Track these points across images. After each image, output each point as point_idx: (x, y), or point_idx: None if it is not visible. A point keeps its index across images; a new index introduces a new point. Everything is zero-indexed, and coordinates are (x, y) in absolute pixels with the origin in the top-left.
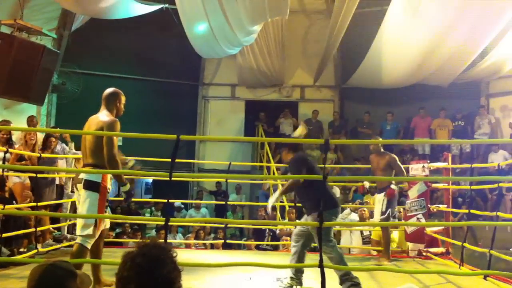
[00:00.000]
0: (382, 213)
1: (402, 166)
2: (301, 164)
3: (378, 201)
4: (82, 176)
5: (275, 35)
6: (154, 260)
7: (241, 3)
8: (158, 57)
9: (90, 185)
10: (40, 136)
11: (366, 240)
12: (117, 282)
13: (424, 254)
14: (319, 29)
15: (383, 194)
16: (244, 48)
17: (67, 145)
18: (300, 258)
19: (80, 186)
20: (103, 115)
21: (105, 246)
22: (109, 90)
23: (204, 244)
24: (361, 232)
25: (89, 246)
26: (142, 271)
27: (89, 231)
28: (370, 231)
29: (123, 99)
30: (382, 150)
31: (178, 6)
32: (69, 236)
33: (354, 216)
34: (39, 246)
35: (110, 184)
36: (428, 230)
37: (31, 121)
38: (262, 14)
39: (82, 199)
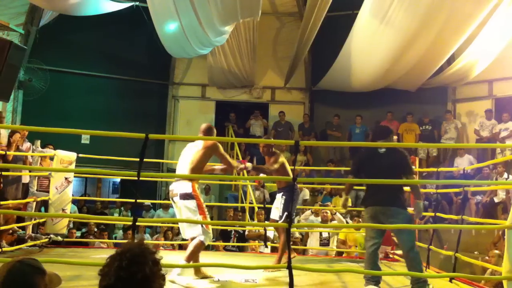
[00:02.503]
0: (279, 216)
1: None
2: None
3: (276, 200)
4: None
5: (246, 36)
6: (135, 258)
7: (212, 3)
8: (127, 55)
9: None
10: (4, 134)
11: (324, 242)
12: (100, 279)
13: (391, 256)
14: (290, 31)
15: (280, 194)
16: (215, 49)
17: (32, 143)
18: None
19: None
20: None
21: (70, 246)
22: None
23: (172, 244)
24: (320, 233)
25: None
26: (123, 267)
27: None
28: (329, 233)
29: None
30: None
31: (149, 4)
32: (34, 235)
33: (313, 218)
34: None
35: None
36: None
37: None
38: (233, 15)
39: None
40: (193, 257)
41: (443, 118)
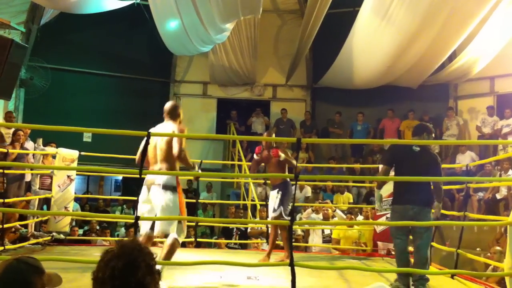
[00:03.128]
0: (274, 210)
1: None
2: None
3: (272, 198)
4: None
5: (247, 34)
6: (128, 264)
7: (213, 1)
8: (128, 53)
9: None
10: (8, 132)
11: (327, 239)
12: (93, 282)
13: (393, 253)
14: (291, 29)
15: (276, 191)
16: (216, 46)
17: (34, 141)
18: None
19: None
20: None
21: (72, 244)
22: (170, 103)
23: None
24: (322, 231)
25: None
26: (116, 274)
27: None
28: (330, 231)
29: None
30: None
31: (150, 2)
32: (36, 233)
33: (314, 216)
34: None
35: None
36: None
37: (9, 117)
38: (234, 12)
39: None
40: (170, 257)
41: (444, 115)
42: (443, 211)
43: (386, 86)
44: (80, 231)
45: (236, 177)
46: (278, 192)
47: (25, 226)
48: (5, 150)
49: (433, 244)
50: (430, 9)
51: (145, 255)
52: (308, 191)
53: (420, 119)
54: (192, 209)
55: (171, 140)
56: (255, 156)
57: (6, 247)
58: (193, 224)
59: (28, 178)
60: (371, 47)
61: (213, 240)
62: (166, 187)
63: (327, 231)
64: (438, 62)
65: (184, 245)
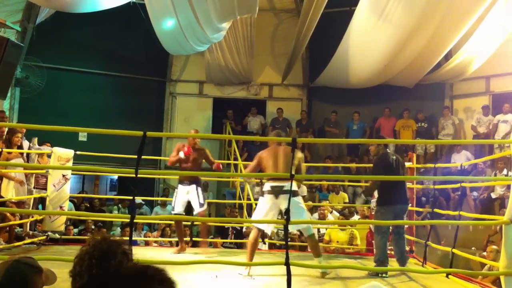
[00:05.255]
0: (201, 205)
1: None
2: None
3: (191, 193)
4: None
5: (243, 33)
6: (105, 251)
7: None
8: (124, 52)
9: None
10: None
11: (321, 239)
12: (72, 280)
13: (388, 252)
14: (287, 28)
15: (194, 187)
16: (212, 45)
17: (29, 141)
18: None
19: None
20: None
21: (67, 244)
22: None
23: (170, 241)
24: (318, 230)
25: None
26: (93, 263)
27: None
28: (326, 230)
29: None
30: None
31: (146, 1)
32: (31, 232)
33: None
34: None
35: None
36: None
37: (1, 116)
38: (231, 11)
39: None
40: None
41: (440, 114)
42: (438, 211)
43: (382, 85)
44: (75, 231)
45: (231, 176)
46: (197, 188)
47: (20, 225)
48: None
49: (429, 243)
50: (427, 8)
51: (118, 244)
52: (304, 190)
53: (415, 118)
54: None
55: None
56: (182, 154)
57: (1, 246)
58: (189, 223)
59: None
60: (367, 46)
61: (209, 240)
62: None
63: (322, 230)
64: (435, 61)
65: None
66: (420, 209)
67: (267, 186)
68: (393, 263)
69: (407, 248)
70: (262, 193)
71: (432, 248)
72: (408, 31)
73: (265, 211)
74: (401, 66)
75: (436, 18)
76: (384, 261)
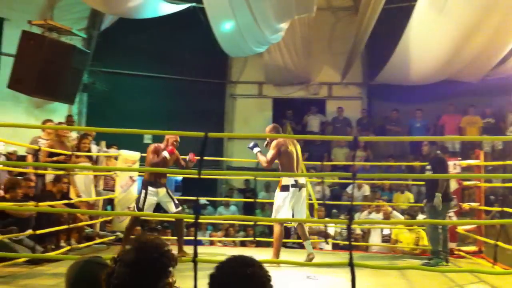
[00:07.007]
0: (178, 206)
1: None
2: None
3: (168, 196)
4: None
5: (301, 33)
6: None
7: (267, 0)
8: (185, 56)
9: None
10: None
11: (386, 239)
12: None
13: (456, 252)
14: (346, 26)
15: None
16: (271, 46)
17: (98, 144)
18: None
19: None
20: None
21: None
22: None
23: (234, 241)
24: (381, 230)
25: None
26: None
27: None
28: (390, 231)
29: None
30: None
31: (205, 4)
32: (101, 233)
33: (374, 215)
34: (72, 242)
35: None
36: (460, 228)
37: (70, 120)
38: (288, 12)
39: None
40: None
41: (508, 109)
42: (508, 209)
43: (445, 81)
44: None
45: (293, 176)
46: (167, 190)
47: (91, 226)
48: (69, 153)
49: (498, 243)
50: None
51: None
52: (366, 189)
53: (481, 114)
54: (250, 209)
55: None
56: (167, 155)
57: (72, 246)
58: (252, 223)
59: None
60: (428, 41)
61: (271, 240)
62: None
63: (386, 231)
64: (501, 54)
65: (244, 244)
66: (489, 208)
67: (291, 180)
68: (460, 264)
69: (476, 249)
70: (284, 188)
71: (503, 248)
72: (471, 25)
73: (290, 205)
74: (465, 61)
75: (500, 9)
76: (439, 252)
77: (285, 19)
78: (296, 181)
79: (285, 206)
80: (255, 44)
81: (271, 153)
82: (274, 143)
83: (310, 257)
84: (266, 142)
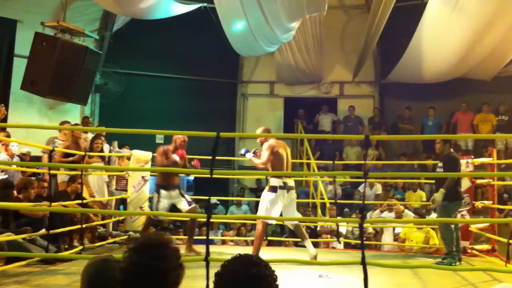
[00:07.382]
0: (189, 203)
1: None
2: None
3: (179, 197)
4: None
5: (313, 32)
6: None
7: (279, 0)
8: (196, 56)
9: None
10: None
11: (398, 238)
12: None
13: (469, 251)
14: (357, 24)
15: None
16: (282, 46)
17: (110, 144)
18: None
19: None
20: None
21: None
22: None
23: (246, 240)
24: (393, 229)
25: None
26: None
27: None
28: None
29: None
30: None
31: (216, 5)
32: (114, 232)
33: (386, 214)
34: (85, 242)
35: None
36: (473, 227)
37: (86, 122)
38: (300, 11)
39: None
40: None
41: None
42: None
43: (458, 79)
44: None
45: (304, 175)
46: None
47: (104, 225)
48: (82, 153)
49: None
50: None
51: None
52: (378, 188)
53: (495, 111)
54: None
55: None
56: (177, 158)
57: (86, 246)
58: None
59: (105, 179)
60: (441, 39)
61: (283, 239)
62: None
63: (398, 230)
64: None
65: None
66: (502, 207)
67: (279, 182)
68: (473, 262)
69: (489, 247)
70: (272, 189)
71: None
72: (484, 22)
73: (280, 206)
74: (478, 59)
75: None
76: (452, 252)
77: (297, 18)
78: (285, 183)
79: (274, 207)
80: (267, 43)
81: (265, 154)
82: (266, 144)
83: (313, 255)
84: (254, 150)
